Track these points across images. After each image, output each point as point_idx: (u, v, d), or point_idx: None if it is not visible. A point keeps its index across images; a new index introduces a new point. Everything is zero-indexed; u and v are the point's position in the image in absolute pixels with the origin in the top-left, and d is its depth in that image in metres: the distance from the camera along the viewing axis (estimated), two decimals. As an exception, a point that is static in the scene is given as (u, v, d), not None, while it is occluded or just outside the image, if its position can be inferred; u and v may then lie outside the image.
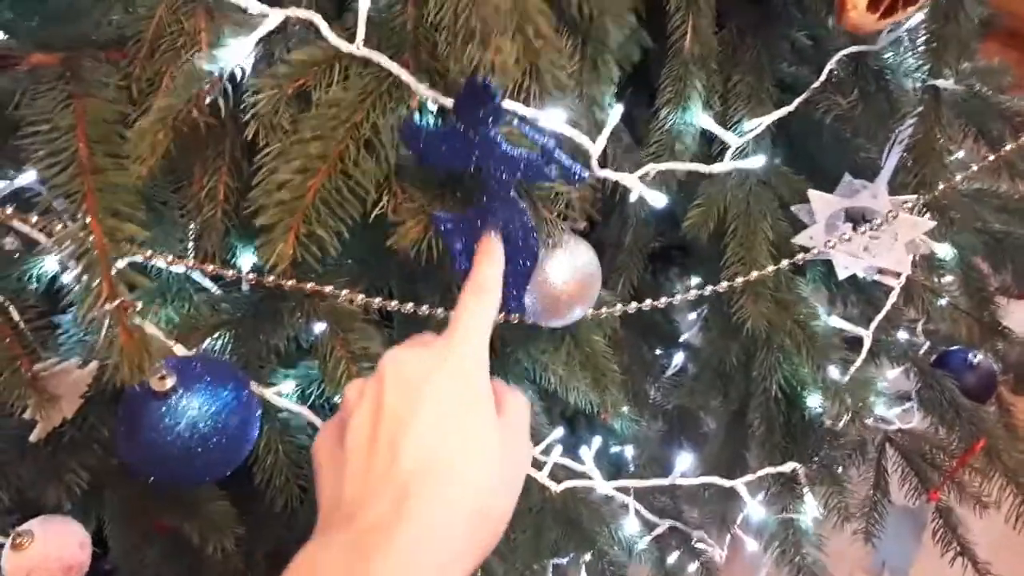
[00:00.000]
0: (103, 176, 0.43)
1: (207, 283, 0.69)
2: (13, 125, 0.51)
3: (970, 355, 0.97)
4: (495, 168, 0.50)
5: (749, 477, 0.84)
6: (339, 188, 0.50)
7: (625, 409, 0.78)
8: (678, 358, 1.05)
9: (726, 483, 0.84)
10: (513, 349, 0.79)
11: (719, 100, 0.73)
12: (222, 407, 0.49)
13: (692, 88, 0.69)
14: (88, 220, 0.42)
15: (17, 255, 0.64)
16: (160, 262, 0.54)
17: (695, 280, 1.01)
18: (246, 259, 0.67)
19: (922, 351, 0.94)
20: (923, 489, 0.98)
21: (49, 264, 0.69)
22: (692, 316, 1.01)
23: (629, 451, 1.01)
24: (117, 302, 0.42)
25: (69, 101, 0.46)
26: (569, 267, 0.61)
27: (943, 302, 0.90)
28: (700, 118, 0.68)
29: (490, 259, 0.51)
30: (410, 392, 0.40)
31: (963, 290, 0.93)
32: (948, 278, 0.91)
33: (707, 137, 0.73)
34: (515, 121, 0.50)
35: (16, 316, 0.54)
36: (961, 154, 0.86)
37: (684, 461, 0.84)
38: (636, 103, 0.71)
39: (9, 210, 0.51)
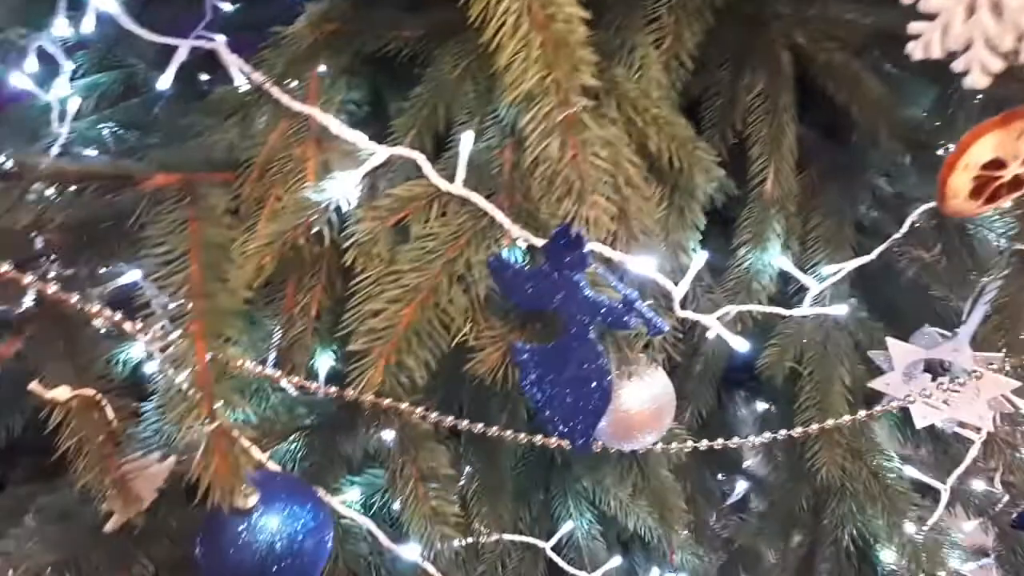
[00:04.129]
0: (213, 300, 0.46)
1: (285, 383, 0.71)
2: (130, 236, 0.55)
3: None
4: (577, 311, 0.51)
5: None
6: (430, 319, 0.52)
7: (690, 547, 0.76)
8: (740, 486, 1.03)
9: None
10: (576, 472, 0.79)
11: (797, 242, 0.74)
12: (300, 528, 0.50)
13: (771, 230, 0.70)
14: (194, 343, 0.44)
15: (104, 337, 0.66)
16: (250, 368, 0.57)
17: (761, 406, 0.99)
18: (324, 360, 0.69)
19: (1000, 504, 0.90)
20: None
21: (135, 351, 0.72)
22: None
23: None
24: (216, 425, 0.44)
25: (185, 225, 0.50)
26: (645, 395, 0.61)
27: (1025, 455, 0.87)
28: (778, 259, 0.69)
29: None
30: None
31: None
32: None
33: (783, 277, 0.73)
34: (600, 268, 0.52)
35: (111, 415, 0.56)
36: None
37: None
38: (712, 238, 0.72)
39: (110, 312, 0.54)
